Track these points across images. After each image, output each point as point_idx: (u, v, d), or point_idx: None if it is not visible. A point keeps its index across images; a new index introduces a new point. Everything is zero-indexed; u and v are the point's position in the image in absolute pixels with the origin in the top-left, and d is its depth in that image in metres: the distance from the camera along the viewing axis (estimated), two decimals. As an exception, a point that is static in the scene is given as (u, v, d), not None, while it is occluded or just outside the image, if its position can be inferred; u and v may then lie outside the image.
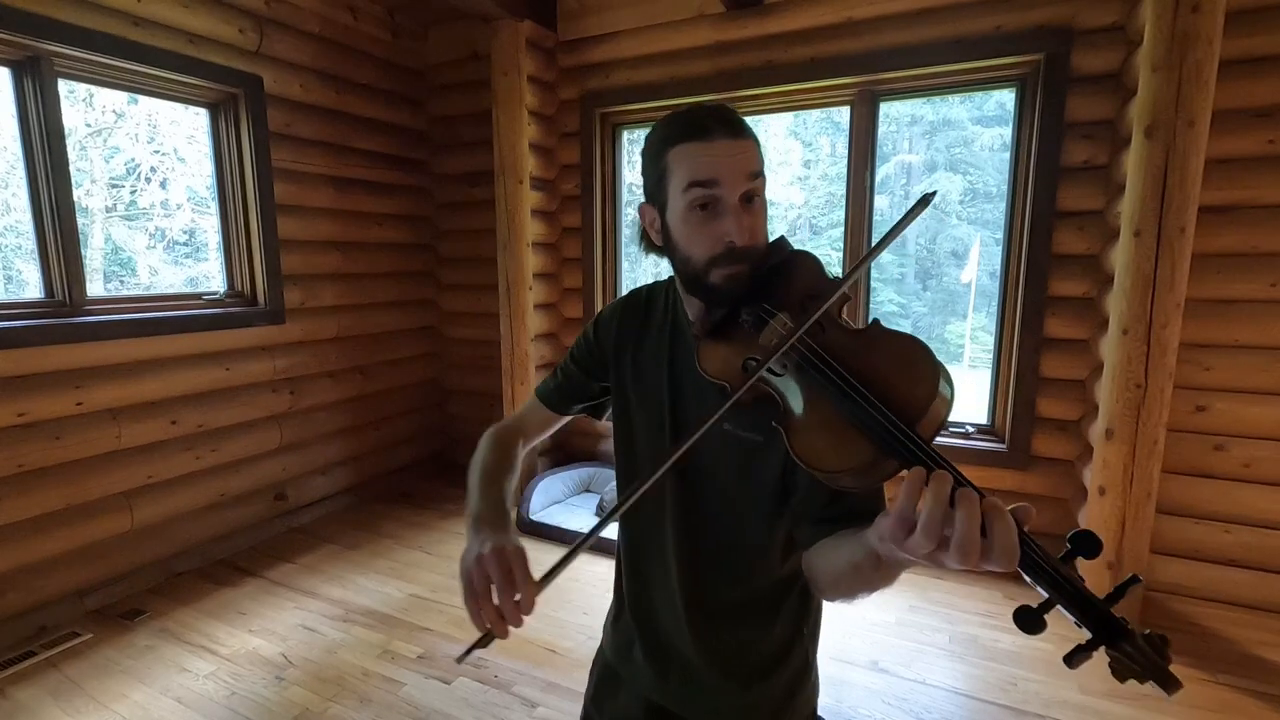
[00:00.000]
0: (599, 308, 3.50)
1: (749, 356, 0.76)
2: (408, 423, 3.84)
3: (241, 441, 2.90)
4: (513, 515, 0.89)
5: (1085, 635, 0.50)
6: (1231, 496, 2.36)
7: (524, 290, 3.25)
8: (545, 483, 3.28)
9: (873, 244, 2.91)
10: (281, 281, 3.00)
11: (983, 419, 2.83)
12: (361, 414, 3.51)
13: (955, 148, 11.30)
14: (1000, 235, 2.71)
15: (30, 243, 2.31)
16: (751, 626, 0.95)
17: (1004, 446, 2.71)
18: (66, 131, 2.30)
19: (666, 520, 0.95)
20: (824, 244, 11.22)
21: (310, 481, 3.26)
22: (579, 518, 3.10)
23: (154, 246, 6.63)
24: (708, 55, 3.01)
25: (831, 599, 0.82)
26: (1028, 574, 0.52)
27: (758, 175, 0.80)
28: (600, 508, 3.17)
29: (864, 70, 2.71)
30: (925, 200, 0.70)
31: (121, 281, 6.48)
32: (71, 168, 2.32)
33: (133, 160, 6.20)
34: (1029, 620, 0.51)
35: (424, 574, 2.71)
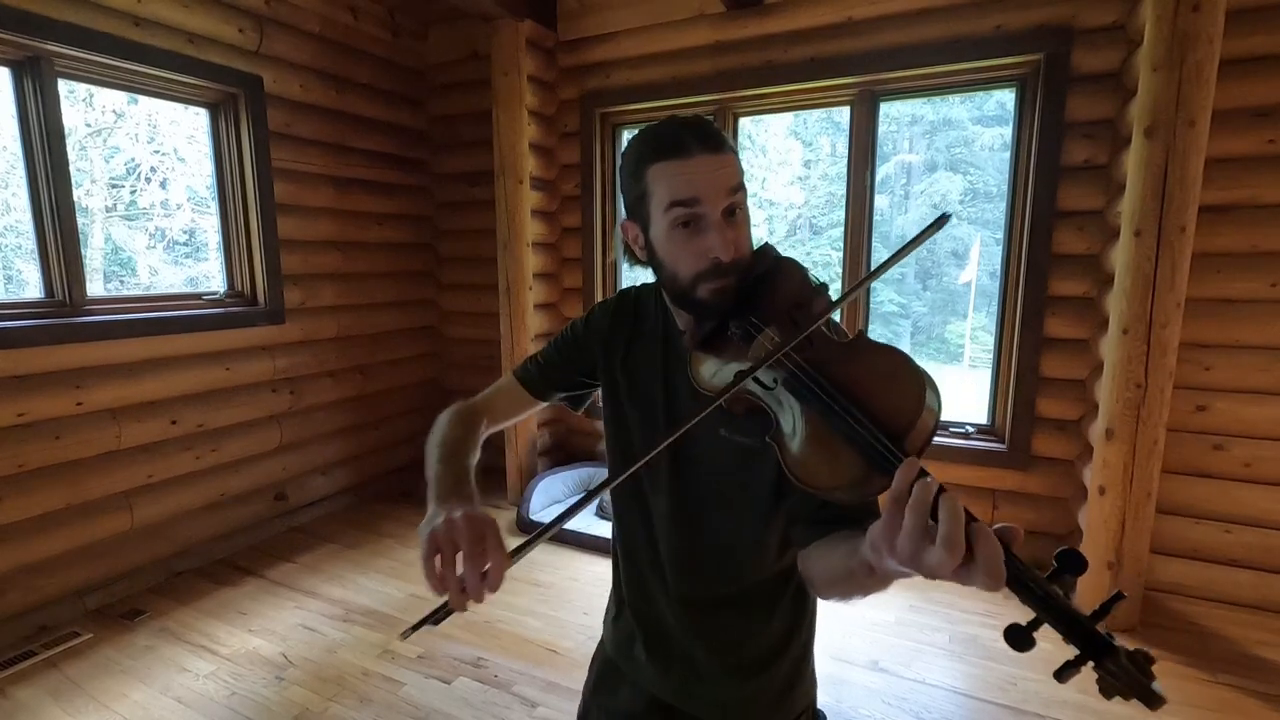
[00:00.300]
0: (599, 307, 3.50)
1: (740, 370, 0.77)
2: (408, 423, 3.84)
3: (241, 441, 2.90)
4: (477, 496, 0.80)
5: (1073, 651, 0.51)
6: (1231, 496, 2.36)
7: (524, 290, 3.25)
8: (545, 483, 3.29)
9: (871, 265, 2.91)
10: (281, 281, 3.00)
11: (983, 419, 2.83)
12: (361, 414, 3.51)
13: (955, 147, 11.30)
14: (1000, 235, 2.71)
15: (30, 243, 2.31)
16: (749, 621, 0.96)
17: (1004, 446, 2.71)
18: (66, 131, 2.30)
19: (663, 520, 0.96)
20: (824, 244, 11.22)
21: (310, 481, 3.26)
22: (579, 517, 3.10)
23: (154, 246, 6.63)
24: (708, 55, 3.01)
25: (826, 599, 0.83)
26: (1016, 592, 0.53)
27: (738, 189, 0.80)
28: (600, 508, 3.17)
29: (864, 70, 2.71)
30: (940, 221, 0.70)
31: (121, 281, 6.48)
32: (71, 168, 2.32)
33: (133, 160, 6.20)
34: (1019, 638, 0.52)
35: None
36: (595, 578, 2.64)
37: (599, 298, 3.50)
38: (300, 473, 3.20)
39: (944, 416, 0.65)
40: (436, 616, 0.63)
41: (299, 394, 3.14)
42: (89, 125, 5.85)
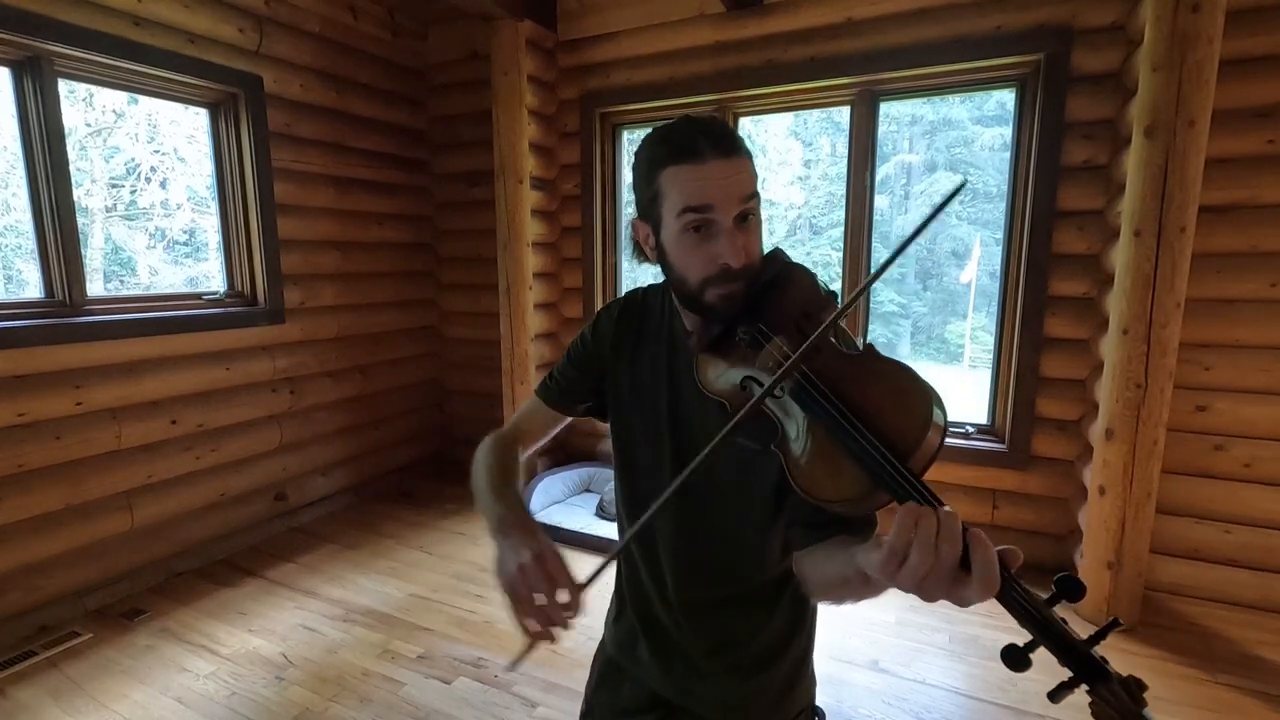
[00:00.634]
0: (599, 307, 3.50)
1: (747, 375, 0.76)
2: (408, 422, 3.84)
3: (241, 441, 2.90)
4: (533, 515, 0.88)
5: (1067, 673, 0.53)
6: (1232, 496, 2.36)
7: (524, 290, 3.25)
8: (545, 483, 3.29)
9: (872, 265, 2.91)
10: (281, 281, 3.00)
11: (983, 419, 2.83)
12: (361, 414, 3.51)
13: (955, 147, 11.30)
14: (1000, 235, 2.71)
15: (30, 243, 2.31)
16: (750, 621, 0.96)
17: (1004, 446, 2.71)
18: (66, 131, 2.30)
19: (665, 522, 0.96)
20: (824, 244, 11.22)
21: (310, 481, 3.26)
22: (579, 517, 3.10)
23: (154, 246, 6.64)
24: (708, 55, 3.01)
25: (821, 600, 0.83)
26: (1014, 615, 0.54)
27: (752, 196, 0.79)
28: (600, 507, 3.17)
29: (864, 70, 2.71)
30: (958, 190, 0.69)
31: (121, 281, 6.48)
32: (71, 168, 2.32)
33: (133, 160, 6.20)
34: (1015, 659, 0.53)
35: (424, 574, 2.71)
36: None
37: (599, 297, 3.50)
38: (300, 473, 3.20)
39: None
40: (533, 648, 0.72)
41: (299, 394, 3.14)
42: (89, 125, 5.85)
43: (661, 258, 0.86)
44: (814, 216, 11.74)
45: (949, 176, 11.19)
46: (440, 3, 3.29)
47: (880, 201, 2.93)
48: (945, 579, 0.53)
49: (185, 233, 6.53)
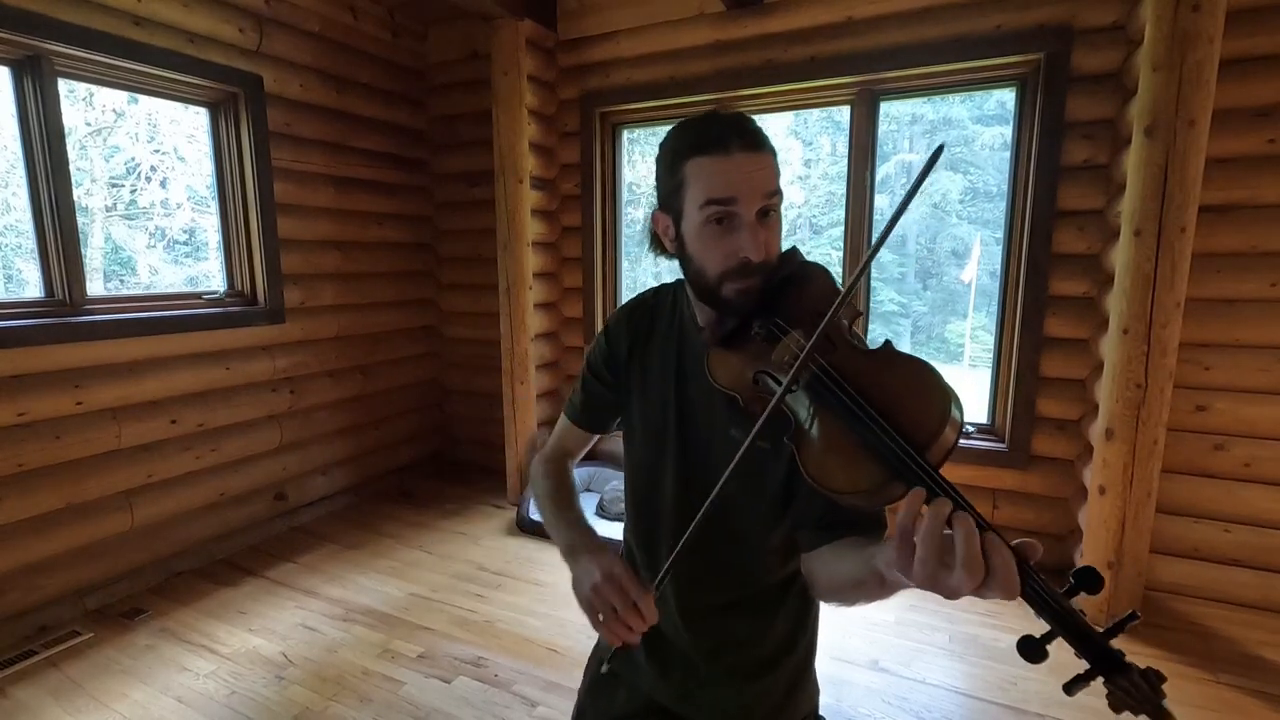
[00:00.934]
0: (599, 307, 3.50)
1: (760, 370, 0.76)
2: (408, 422, 3.84)
3: (241, 441, 2.90)
4: (594, 529, 0.95)
5: (1084, 665, 0.53)
6: (1232, 496, 2.36)
7: (524, 290, 3.25)
8: (545, 482, 3.28)
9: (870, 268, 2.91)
10: (281, 281, 3.00)
11: (983, 418, 2.83)
12: (361, 413, 3.51)
13: (956, 147, 11.30)
14: (1000, 234, 2.71)
15: (30, 242, 2.31)
16: (751, 625, 0.95)
17: (1004, 446, 2.71)
18: (66, 131, 2.30)
19: (669, 522, 0.95)
20: (824, 243, 11.22)
21: (310, 481, 3.26)
22: (579, 517, 3.09)
23: (154, 246, 6.63)
24: (708, 55, 3.01)
25: (828, 602, 0.83)
26: (1032, 606, 0.54)
27: (775, 193, 0.80)
28: (600, 507, 3.17)
29: (864, 69, 2.71)
30: (936, 154, 0.68)
31: (121, 281, 6.48)
32: (71, 167, 2.32)
33: (133, 159, 6.20)
34: (1032, 650, 0.53)
35: (424, 573, 2.71)
36: (595, 577, 2.63)
37: (599, 297, 3.50)
38: (300, 473, 3.20)
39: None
40: (620, 653, 0.84)
41: (299, 394, 3.14)
42: (89, 124, 5.85)
43: (680, 250, 0.87)
44: (814, 216, 11.74)
45: (949, 176, 11.19)
46: (440, 3, 3.29)
47: (880, 201, 2.93)
48: (973, 570, 0.52)
49: (185, 232, 6.53)
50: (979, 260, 9.98)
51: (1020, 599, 0.54)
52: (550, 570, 2.72)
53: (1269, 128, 2.17)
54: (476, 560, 2.82)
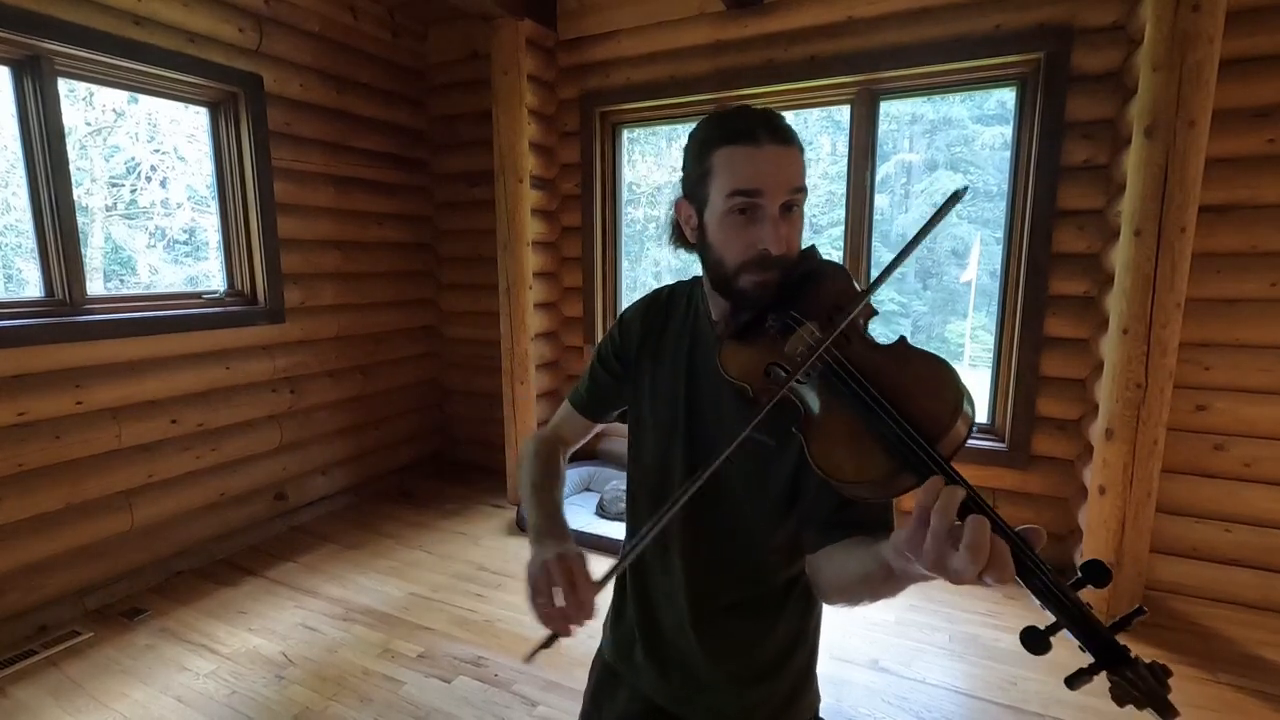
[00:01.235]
0: (599, 307, 3.50)
1: (772, 362, 0.77)
2: (408, 422, 3.84)
3: (241, 441, 2.90)
4: (567, 521, 0.94)
5: (1088, 659, 0.52)
6: (1232, 496, 2.36)
7: (524, 289, 3.25)
8: (545, 482, 3.28)
9: (872, 264, 2.91)
10: (281, 281, 3.00)
11: (983, 418, 2.83)
12: (361, 413, 3.51)
13: (955, 146, 11.29)
14: (1000, 234, 2.71)
15: (30, 242, 2.31)
16: (755, 626, 0.95)
17: (1004, 446, 2.71)
18: (66, 130, 2.30)
19: (676, 520, 0.95)
20: (824, 243, 11.21)
21: (310, 481, 3.26)
22: (579, 517, 3.10)
23: (154, 245, 6.63)
24: (708, 54, 3.01)
25: (833, 603, 0.82)
26: (1037, 597, 0.54)
27: (800, 190, 0.81)
28: (600, 506, 3.17)
29: (864, 69, 2.71)
30: (955, 197, 0.69)
31: (121, 280, 6.48)
32: (71, 167, 2.32)
33: (133, 159, 6.20)
34: (1035, 641, 0.52)
35: (424, 573, 2.71)
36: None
37: (599, 297, 3.50)
38: (300, 473, 3.20)
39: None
40: (550, 641, 0.77)
41: (299, 394, 3.14)
42: (89, 124, 5.85)
43: (701, 239, 0.87)
44: (814, 215, 11.73)
45: (949, 176, 11.18)
46: (440, 3, 3.29)
47: (880, 200, 2.93)
48: (979, 553, 0.52)
49: (185, 232, 6.53)
50: (979, 260, 9.98)
51: (1027, 590, 0.53)
52: (550, 570, 2.72)
53: (1269, 128, 2.17)
54: (476, 560, 2.82)
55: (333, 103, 3.20)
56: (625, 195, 3.53)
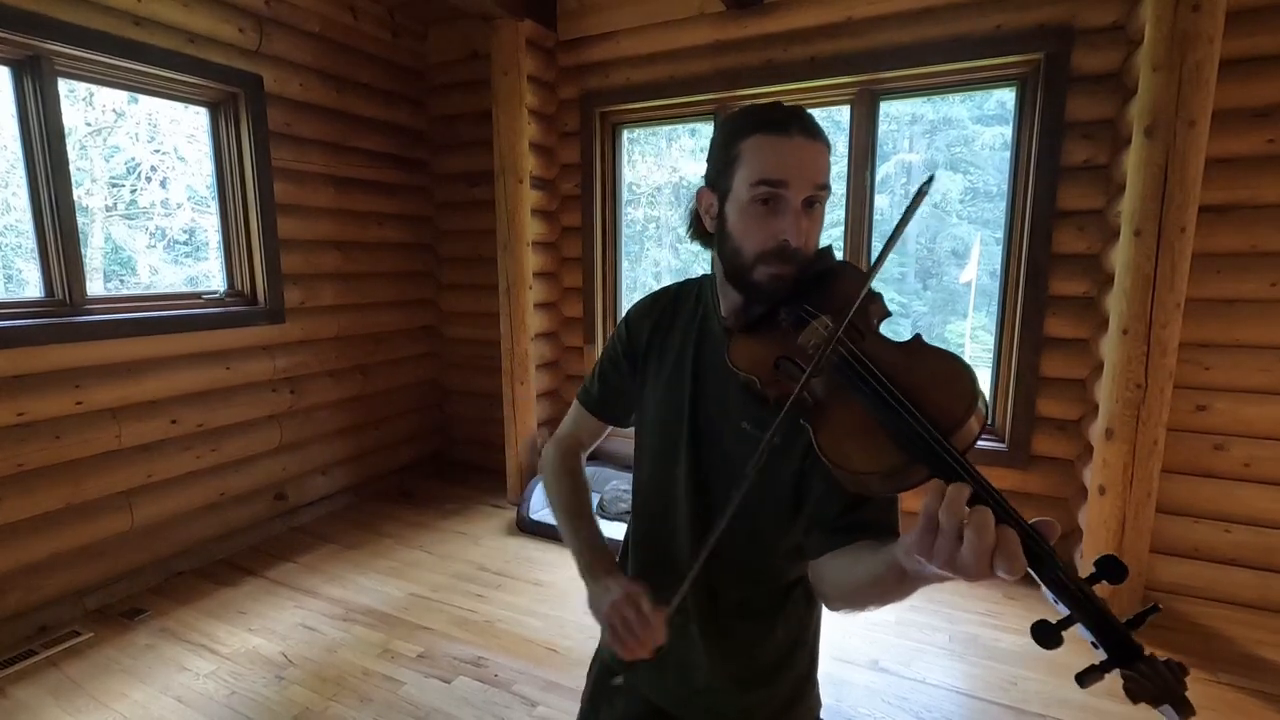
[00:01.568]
0: (599, 307, 3.50)
1: (782, 355, 0.77)
2: (408, 422, 3.84)
3: (241, 441, 2.90)
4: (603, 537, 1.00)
5: (1100, 656, 0.50)
6: (1232, 496, 2.36)
7: (524, 290, 3.25)
8: (545, 482, 3.28)
9: (872, 264, 2.91)
10: (281, 281, 3.00)
11: (983, 418, 2.83)
12: (361, 413, 3.51)
13: (955, 147, 11.29)
14: (1000, 235, 2.71)
15: (30, 242, 2.31)
16: (758, 627, 0.95)
17: (1004, 446, 2.71)
18: (66, 131, 2.30)
19: (679, 517, 0.95)
20: (824, 243, 11.20)
21: (310, 481, 3.26)
22: (579, 517, 3.09)
23: (154, 246, 6.63)
24: (708, 54, 3.01)
25: (837, 609, 0.82)
26: (1051, 590, 0.53)
27: (824, 187, 0.81)
28: (600, 506, 3.17)
29: (864, 69, 2.71)
30: (926, 183, 0.71)
31: (121, 281, 6.47)
32: (71, 167, 2.32)
33: (133, 159, 6.20)
34: (1047, 635, 0.51)
35: (424, 573, 2.71)
36: (595, 577, 2.63)
37: (599, 297, 3.50)
38: (300, 473, 3.20)
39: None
40: (634, 667, 0.88)
41: (299, 394, 3.14)
42: (89, 124, 5.85)
43: (720, 228, 0.87)
44: (814, 216, 11.71)
45: (949, 176, 11.18)
46: (440, 3, 3.29)
47: (880, 201, 2.93)
48: (983, 552, 0.51)
49: (185, 232, 6.53)
50: (979, 260, 9.97)
51: (1041, 583, 0.52)
52: (550, 570, 2.72)
53: (1269, 128, 2.17)
54: (476, 560, 2.82)
55: (333, 103, 3.20)
56: (625, 195, 3.54)
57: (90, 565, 2.40)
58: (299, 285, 3.10)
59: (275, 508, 3.09)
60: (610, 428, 1.12)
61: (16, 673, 2.04)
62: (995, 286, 3.20)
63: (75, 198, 2.33)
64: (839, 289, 0.81)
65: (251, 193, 2.85)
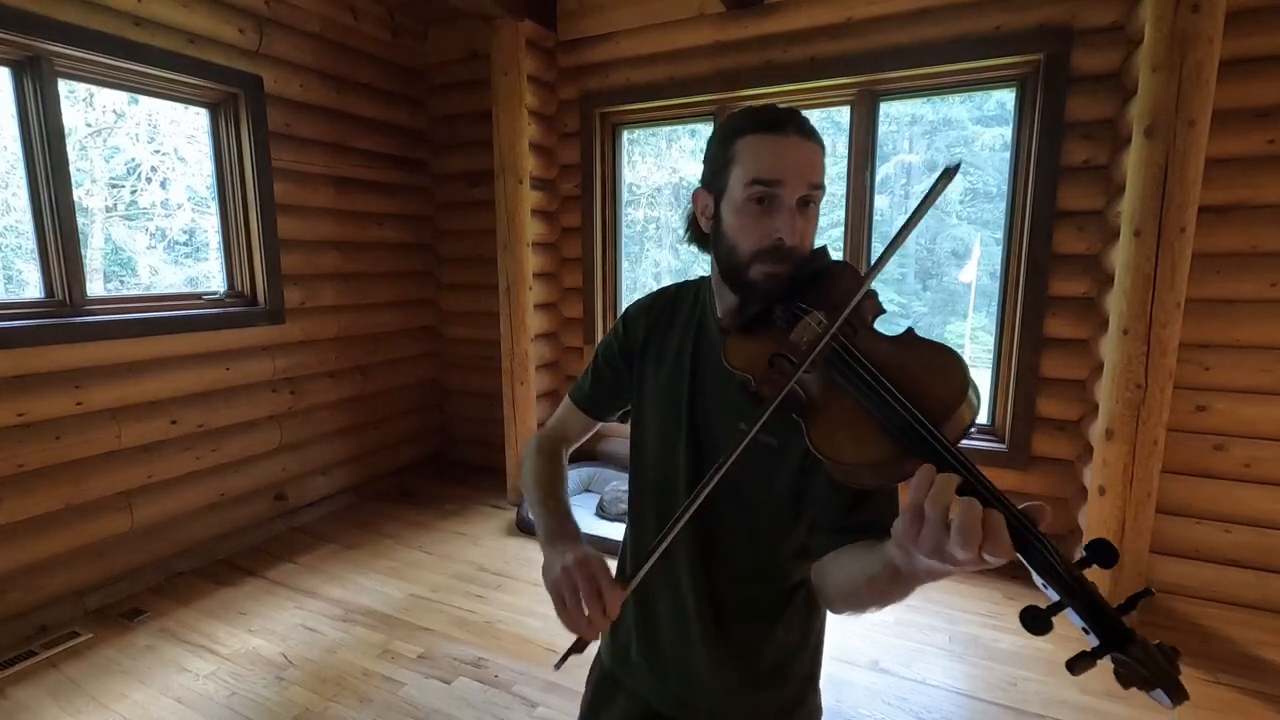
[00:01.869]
0: (599, 307, 3.50)
1: (777, 353, 0.77)
2: (408, 422, 3.84)
3: (241, 441, 2.90)
4: (578, 523, 0.94)
5: (1091, 643, 0.49)
6: (1232, 496, 2.36)
7: (524, 290, 3.25)
8: (545, 482, 3.28)
9: (872, 264, 2.91)
10: (281, 281, 3.00)
11: (983, 419, 2.83)
12: (361, 414, 3.51)
13: (955, 147, 11.29)
14: (1000, 235, 2.71)
15: (30, 242, 2.31)
16: (760, 630, 0.94)
17: (1004, 446, 2.71)
18: (66, 131, 2.30)
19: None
20: (823, 243, 11.20)
21: (310, 481, 3.26)
22: (579, 517, 3.08)
23: (154, 246, 6.63)
24: (708, 55, 3.01)
25: (839, 611, 0.82)
26: (1040, 575, 0.52)
27: (818, 186, 0.82)
28: (600, 507, 3.17)
29: (864, 70, 2.71)
30: (949, 173, 0.68)
31: (122, 281, 6.47)
32: (71, 168, 2.32)
33: (133, 160, 6.20)
34: (1036, 621, 0.50)
35: (424, 574, 2.71)
36: (595, 578, 2.63)
37: (599, 297, 3.50)
38: (300, 473, 3.20)
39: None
40: (578, 646, 0.75)
41: (299, 394, 3.14)
42: (89, 125, 5.84)
43: (715, 228, 0.88)
44: (814, 216, 11.72)
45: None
46: (440, 3, 3.29)
47: (880, 201, 2.93)
48: (970, 533, 0.51)
49: (185, 233, 6.52)
50: (979, 260, 9.97)
51: (1030, 568, 0.52)
52: (550, 570, 2.72)
53: (1269, 128, 2.17)
54: (476, 561, 2.82)
55: (333, 103, 3.20)
56: (625, 196, 3.54)
57: (90, 565, 2.40)
58: (299, 286, 3.10)
59: (275, 508, 3.09)
60: (597, 426, 1.12)
61: (16, 673, 2.04)
62: (995, 287, 3.20)
63: (75, 198, 2.33)
64: (834, 288, 0.81)
65: (251, 193, 2.85)
